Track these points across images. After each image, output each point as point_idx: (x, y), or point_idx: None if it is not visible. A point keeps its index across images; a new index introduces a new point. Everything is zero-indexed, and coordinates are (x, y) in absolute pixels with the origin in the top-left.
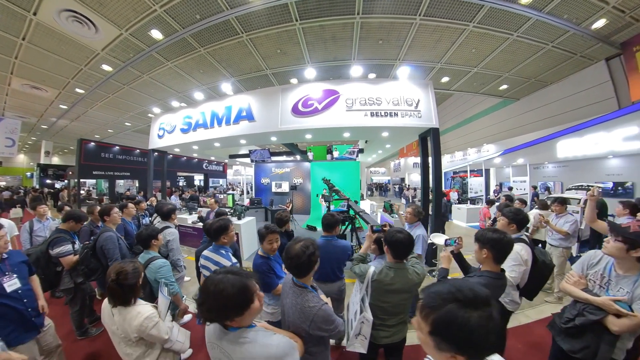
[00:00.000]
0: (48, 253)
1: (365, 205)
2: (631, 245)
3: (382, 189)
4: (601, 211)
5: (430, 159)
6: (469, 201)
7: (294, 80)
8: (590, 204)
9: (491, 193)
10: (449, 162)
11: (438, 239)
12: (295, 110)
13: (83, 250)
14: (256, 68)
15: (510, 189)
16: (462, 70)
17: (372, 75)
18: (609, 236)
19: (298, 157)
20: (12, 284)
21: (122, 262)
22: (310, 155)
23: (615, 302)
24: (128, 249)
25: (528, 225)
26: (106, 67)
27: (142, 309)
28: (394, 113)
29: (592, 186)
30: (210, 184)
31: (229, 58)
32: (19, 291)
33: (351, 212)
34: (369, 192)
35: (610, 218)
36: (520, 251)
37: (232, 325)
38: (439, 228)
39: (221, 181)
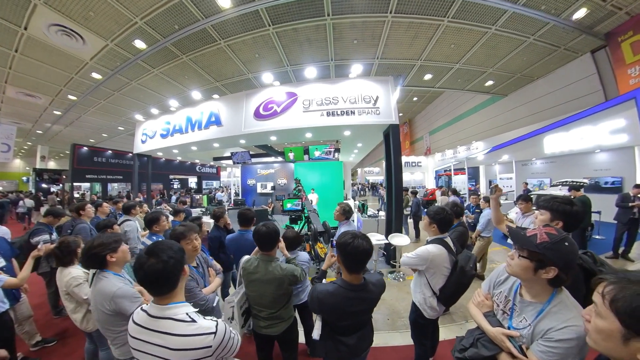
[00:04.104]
0: (29, 241)
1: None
2: (539, 263)
3: (374, 188)
4: (587, 209)
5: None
6: None
7: (276, 83)
8: (493, 203)
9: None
10: (439, 161)
11: (396, 239)
12: (257, 114)
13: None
14: (238, 72)
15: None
16: (445, 67)
17: (352, 75)
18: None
19: (279, 158)
20: None
21: (67, 237)
22: (291, 156)
23: (510, 337)
24: None
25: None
26: (96, 75)
27: (74, 271)
28: (351, 111)
29: (578, 182)
30: (204, 186)
31: (210, 64)
32: (4, 268)
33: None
34: (362, 192)
35: (595, 215)
36: (429, 248)
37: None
38: (399, 228)
39: (215, 183)
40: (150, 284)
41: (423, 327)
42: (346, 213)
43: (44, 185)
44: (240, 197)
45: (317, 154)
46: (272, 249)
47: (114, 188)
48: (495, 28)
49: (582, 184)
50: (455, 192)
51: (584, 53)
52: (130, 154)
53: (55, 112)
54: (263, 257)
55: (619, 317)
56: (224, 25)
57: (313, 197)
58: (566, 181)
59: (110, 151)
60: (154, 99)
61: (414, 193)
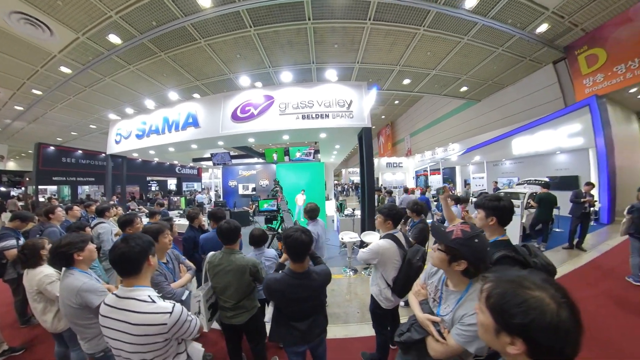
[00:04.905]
0: None
1: (330, 205)
2: (453, 256)
3: (357, 189)
4: (550, 207)
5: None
6: None
7: (258, 84)
8: (443, 202)
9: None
10: (419, 162)
11: (368, 237)
12: (234, 117)
13: None
14: (219, 72)
15: (466, 184)
16: (422, 73)
17: (334, 78)
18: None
19: (260, 159)
20: None
21: (30, 239)
22: (274, 157)
23: (435, 322)
24: None
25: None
26: (65, 69)
27: (45, 269)
28: (325, 115)
29: (540, 180)
30: (185, 188)
31: (190, 63)
32: None
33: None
34: (346, 192)
35: (555, 210)
36: (380, 243)
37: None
38: (373, 226)
39: (195, 185)
40: (116, 264)
41: (381, 317)
42: (308, 212)
43: (2, 189)
44: (221, 199)
45: (298, 155)
46: (235, 243)
47: (84, 191)
48: (467, 38)
49: (546, 182)
50: (407, 191)
51: (547, 64)
52: (103, 155)
53: (17, 108)
54: (226, 250)
55: (491, 313)
56: (204, 25)
57: (301, 198)
58: (529, 180)
59: (80, 151)
60: (130, 96)
61: (389, 192)
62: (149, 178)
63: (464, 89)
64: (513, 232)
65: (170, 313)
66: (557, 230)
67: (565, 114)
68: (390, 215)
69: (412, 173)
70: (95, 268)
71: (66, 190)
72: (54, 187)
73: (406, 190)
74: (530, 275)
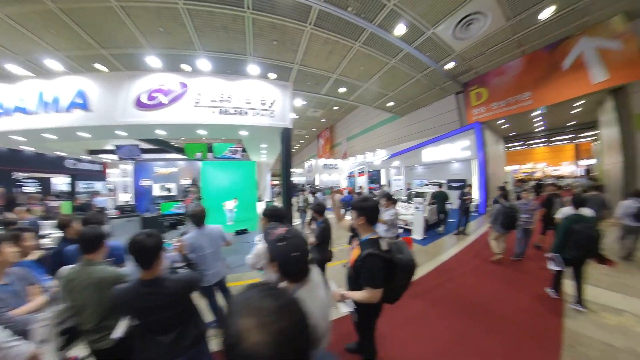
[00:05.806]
0: None
1: (262, 206)
2: (271, 257)
3: (296, 189)
4: (443, 202)
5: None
6: None
7: (185, 67)
8: (332, 203)
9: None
10: (353, 164)
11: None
12: (139, 103)
13: None
14: (134, 43)
15: (385, 185)
16: (356, 85)
17: (272, 76)
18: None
19: (178, 155)
20: None
21: None
22: (198, 155)
23: None
24: None
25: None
26: None
27: None
28: (245, 111)
29: (437, 182)
30: (84, 188)
31: (94, 24)
32: None
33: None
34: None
35: (448, 205)
36: (262, 245)
37: None
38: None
39: (99, 185)
40: None
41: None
42: (191, 217)
43: None
44: (131, 202)
45: (228, 152)
46: (95, 252)
47: None
48: (395, 61)
49: (440, 183)
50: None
51: (451, 93)
52: None
53: None
54: (85, 261)
55: None
56: None
57: (231, 203)
58: (431, 182)
59: None
60: None
61: (313, 192)
62: (19, 174)
63: (391, 104)
64: (417, 226)
65: None
66: (451, 220)
67: (459, 132)
68: (272, 217)
69: (346, 174)
70: None
71: None
72: None
73: (319, 191)
74: (254, 300)
